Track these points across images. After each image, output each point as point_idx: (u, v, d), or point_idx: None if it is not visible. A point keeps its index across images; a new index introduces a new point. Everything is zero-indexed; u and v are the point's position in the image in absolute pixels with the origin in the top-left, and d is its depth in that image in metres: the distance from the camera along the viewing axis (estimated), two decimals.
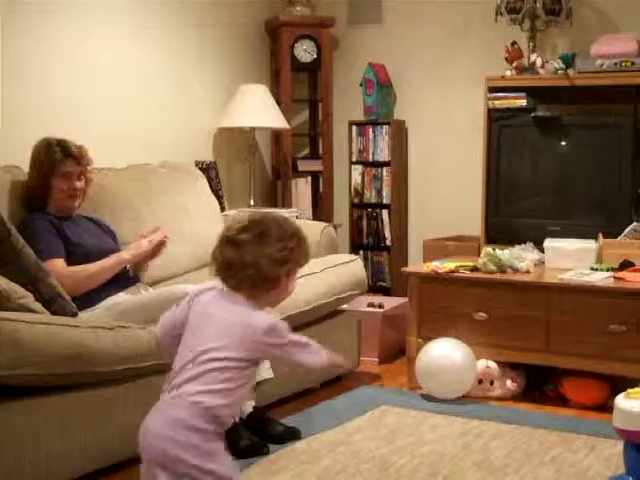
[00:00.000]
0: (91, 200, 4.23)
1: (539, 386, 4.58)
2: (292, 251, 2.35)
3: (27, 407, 3.18)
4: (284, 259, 2.33)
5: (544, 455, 3.66)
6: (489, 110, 5.39)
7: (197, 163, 5.49)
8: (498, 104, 5.36)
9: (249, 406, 3.81)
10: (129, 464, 3.48)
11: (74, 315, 3.57)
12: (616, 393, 3.22)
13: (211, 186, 5.32)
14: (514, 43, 5.39)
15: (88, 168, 4.11)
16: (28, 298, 3.37)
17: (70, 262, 3.88)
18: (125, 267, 4.10)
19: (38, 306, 3.40)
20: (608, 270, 4.47)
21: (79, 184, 4.04)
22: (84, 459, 3.36)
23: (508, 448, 3.75)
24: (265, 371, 3.86)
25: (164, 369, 3.57)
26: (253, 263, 2.30)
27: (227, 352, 2.26)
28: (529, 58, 5.35)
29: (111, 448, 3.46)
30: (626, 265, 4.49)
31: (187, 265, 4.72)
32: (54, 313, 3.47)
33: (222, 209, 5.42)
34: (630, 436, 3.09)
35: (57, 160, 3.98)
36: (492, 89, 5.38)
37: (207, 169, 5.54)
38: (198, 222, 4.89)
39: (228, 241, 2.35)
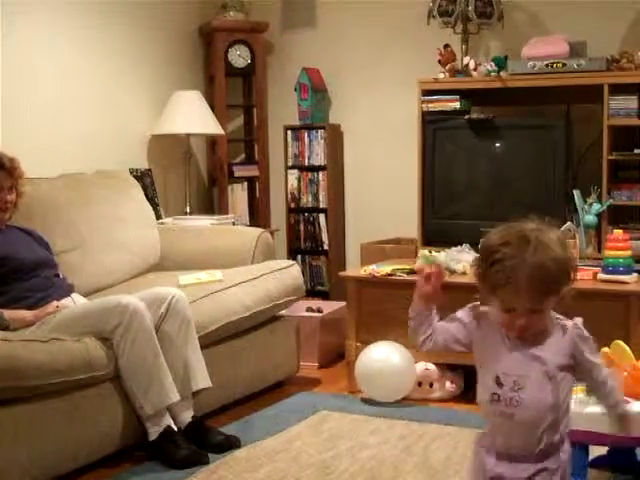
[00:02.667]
0: (23, 210, 4.16)
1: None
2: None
3: None
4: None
5: None
6: (423, 113, 5.42)
7: (131, 171, 5.44)
8: (432, 107, 5.39)
9: (188, 416, 3.79)
10: (66, 479, 3.45)
11: (6, 328, 3.51)
12: None
13: (146, 194, 5.28)
14: (447, 46, 5.42)
15: (20, 181, 4.04)
16: None
17: (1, 275, 3.81)
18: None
19: None
20: None
21: (10, 197, 3.97)
22: (21, 474, 3.29)
23: (449, 450, 3.75)
24: (202, 380, 3.84)
25: (98, 382, 3.57)
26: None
27: None
28: (462, 61, 5.38)
29: (49, 463, 3.40)
30: None
31: (123, 274, 4.68)
32: None
33: (158, 217, 5.39)
34: (571, 436, 3.11)
35: None
36: (426, 92, 5.41)
37: (142, 177, 5.50)
38: (134, 230, 4.85)
39: None
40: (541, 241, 2.18)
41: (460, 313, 2.40)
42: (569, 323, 2.26)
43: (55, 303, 3.84)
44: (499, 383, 2.20)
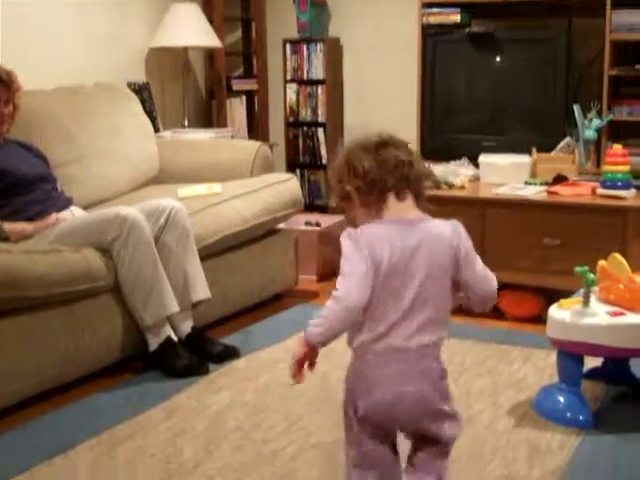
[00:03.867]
0: (21, 124, 4.13)
1: None
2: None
3: None
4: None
5: (480, 367, 3.73)
6: (423, 26, 5.37)
7: (129, 84, 5.41)
8: (432, 20, 5.35)
9: (187, 326, 3.82)
10: (67, 388, 3.50)
11: (6, 240, 3.53)
12: (550, 305, 3.28)
13: (144, 107, 5.24)
14: None
15: (17, 94, 4.02)
16: None
17: (1, 189, 3.81)
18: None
19: None
20: (542, 184, 4.51)
21: (6, 110, 3.95)
22: (23, 383, 3.35)
23: (445, 360, 3.78)
24: (202, 291, 3.87)
25: (98, 292, 3.60)
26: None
27: None
28: None
29: (49, 372, 3.44)
30: (560, 179, 4.54)
31: (122, 187, 4.69)
32: None
33: (156, 130, 5.37)
34: (563, 345, 3.16)
35: None
36: (426, 4, 5.36)
37: (140, 90, 5.46)
38: (132, 143, 4.84)
39: None
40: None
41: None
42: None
43: (54, 215, 3.85)
44: None
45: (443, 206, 4.41)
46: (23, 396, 3.36)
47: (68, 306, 3.50)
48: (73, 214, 3.96)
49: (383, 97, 6.04)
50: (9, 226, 3.65)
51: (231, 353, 3.86)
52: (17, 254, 3.34)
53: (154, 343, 3.70)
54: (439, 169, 4.61)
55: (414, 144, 5.46)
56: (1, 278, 3.20)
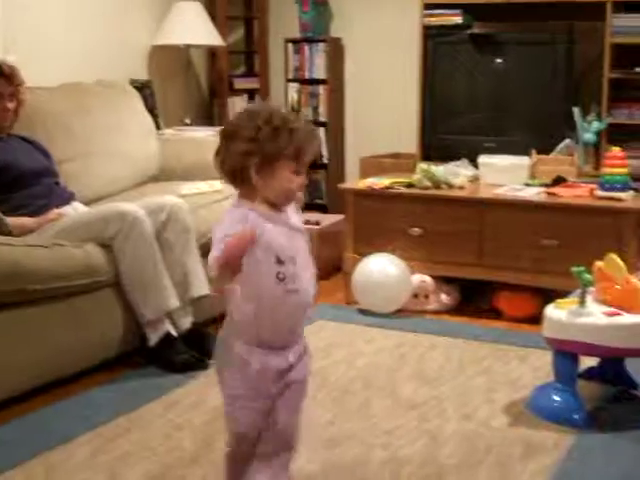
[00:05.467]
0: (24, 119, 4.15)
1: (473, 300, 4.67)
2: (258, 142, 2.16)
3: None
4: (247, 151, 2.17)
5: (477, 366, 3.76)
6: (425, 27, 5.40)
7: (132, 81, 5.43)
8: (434, 21, 5.37)
9: (187, 322, 3.84)
10: (66, 382, 3.52)
11: (9, 233, 3.55)
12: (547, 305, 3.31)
13: (146, 105, 5.26)
14: None
15: (20, 89, 4.04)
16: None
17: (3, 183, 3.83)
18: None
19: None
20: (541, 186, 4.54)
21: (10, 104, 3.98)
22: (22, 376, 3.37)
23: (442, 360, 3.83)
24: (202, 287, 3.88)
25: (99, 287, 3.62)
26: (219, 161, 2.27)
27: None
28: None
29: (48, 365, 3.47)
30: (559, 181, 4.57)
31: (123, 183, 4.71)
32: None
33: (158, 127, 5.39)
34: (559, 345, 3.18)
35: None
36: (428, 6, 5.39)
37: (142, 87, 5.47)
38: (133, 140, 4.87)
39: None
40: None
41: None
42: None
43: (56, 210, 3.87)
44: (280, 262, 2.15)
45: (443, 206, 4.50)
46: (21, 389, 3.38)
47: (68, 300, 3.52)
48: (75, 209, 3.99)
49: (384, 97, 6.07)
50: (11, 220, 3.68)
51: None
52: (19, 247, 3.36)
53: (154, 338, 3.72)
54: (439, 169, 4.64)
55: (414, 144, 5.50)
56: (3, 270, 3.22)
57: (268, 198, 2.20)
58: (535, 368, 3.69)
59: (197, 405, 3.33)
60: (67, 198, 4.06)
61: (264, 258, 2.14)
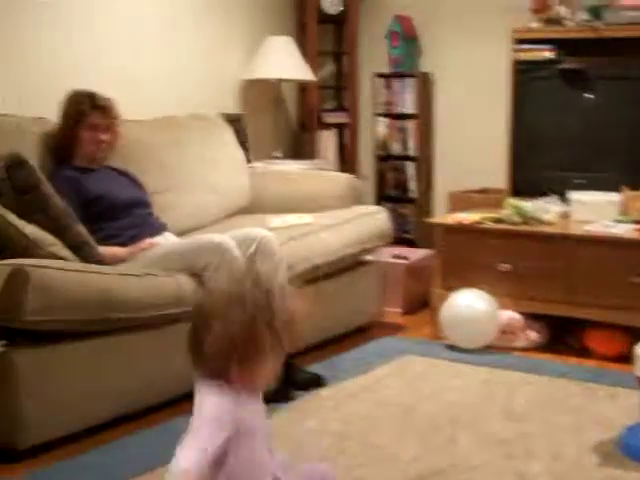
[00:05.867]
0: (118, 151, 4.27)
1: (562, 337, 4.61)
2: None
3: (57, 351, 3.25)
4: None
5: (565, 404, 3.70)
6: (515, 62, 5.38)
7: (223, 115, 5.50)
8: (524, 56, 5.35)
9: None
10: (155, 410, 3.56)
11: (101, 262, 3.62)
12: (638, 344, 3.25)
13: (237, 137, 5.34)
14: None
15: (116, 121, 4.15)
16: (57, 245, 3.44)
17: (96, 213, 3.93)
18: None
19: (67, 253, 3.47)
20: (632, 222, 4.48)
21: (105, 136, 4.09)
22: (109, 403, 3.43)
23: (530, 397, 3.79)
24: None
25: (188, 317, 3.65)
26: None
27: None
28: (556, 9, 5.31)
29: (138, 394, 3.53)
30: None
31: (213, 215, 4.78)
32: (82, 260, 3.53)
33: (248, 161, 5.45)
34: None
35: (84, 112, 4.04)
36: (518, 41, 5.37)
37: (233, 121, 5.55)
38: (224, 173, 4.94)
39: None
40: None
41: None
42: None
43: (148, 240, 3.94)
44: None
45: (532, 242, 4.46)
46: (106, 417, 3.44)
47: (159, 329, 3.58)
48: (167, 239, 4.05)
49: (473, 132, 6.05)
50: (104, 249, 3.75)
51: (317, 381, 3.90)
52: (112, 276, 3.42)
53: None
54: (528, 205, 4.61)
55: (503, 179, 5.47)
56: (96, 298, 3.29)
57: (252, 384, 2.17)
58: (625, 407, 3.62)
59: (282, 437, 3.31)
60: (159, 228, 4.13)
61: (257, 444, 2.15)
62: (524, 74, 5.38)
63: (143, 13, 5.14)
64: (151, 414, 3.56)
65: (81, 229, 3.65)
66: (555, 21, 5.31)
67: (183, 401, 3.67)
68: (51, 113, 4.14)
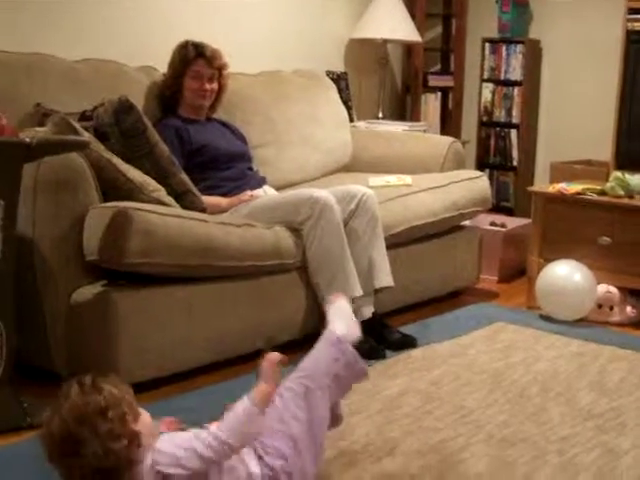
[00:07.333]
0: (224, 104, 4.31)
1: None
2: None
3: (154, 295, 3.31)
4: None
5: None
6: (627, 32, 5.26)
7: (328, 73, 5.51)
8: (638, 26, 5.23)
9: (368, 311, 3.88)
10: (246, 359, 3.59)
11: (203, 211, 3.67)
12: None
13: (341, 96, 5.34)
14: None
15: (223, 73, 4.17)
16: (161, 191, 3.49)
17: (199, 163, 3.98)
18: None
19: (170, 200, 3.51)
20: None
21: (209, 86, 4.11)
22: (205, 349, 3.49)
23: (623, 372, 3.73)
24: (385, 278, 3.91)
25: (286, 269, 3.71)
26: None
27: None
28: None
29: (231, 341, 3.57)
30: None
31: (315, 171, 4.81)
32: (184, 208, 3.58)
33: (351, 120, 5.45)
34: None
35: (189, 59, 4.07)
36: (632, 10, 5.24)
37: (338, 79, 5.56)
38: (328, 130, 4.95)
39: None
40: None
41: None
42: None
43: (249, 192, 3.98)
44: None
45: (635, 216, 4.38)
46: (203, 362, 3.50)
47: (256, 280, 3.62)
48: (266, 193, 4.09)
49: (580, 102, 5.95)
50: (206, 199, 3.80)
51: (408, 342, 3.90)
52: (213, 225, 3.47)
53: None
54: (634, 178, 4.52)
55: (608, 152, 5.38)
56: (196, 245, 3.34)
57: None
58: None
59: (373, 393, 3.35)
60: (259, 182, 4.17)
61: None
62: (636, 44, 5.26)
63: None
64: (244, 363, 3.60)
65: (184, 177, 3.70)
66: None
67: (276, 351, 3.72)
68: (159, 66, 4.21)
